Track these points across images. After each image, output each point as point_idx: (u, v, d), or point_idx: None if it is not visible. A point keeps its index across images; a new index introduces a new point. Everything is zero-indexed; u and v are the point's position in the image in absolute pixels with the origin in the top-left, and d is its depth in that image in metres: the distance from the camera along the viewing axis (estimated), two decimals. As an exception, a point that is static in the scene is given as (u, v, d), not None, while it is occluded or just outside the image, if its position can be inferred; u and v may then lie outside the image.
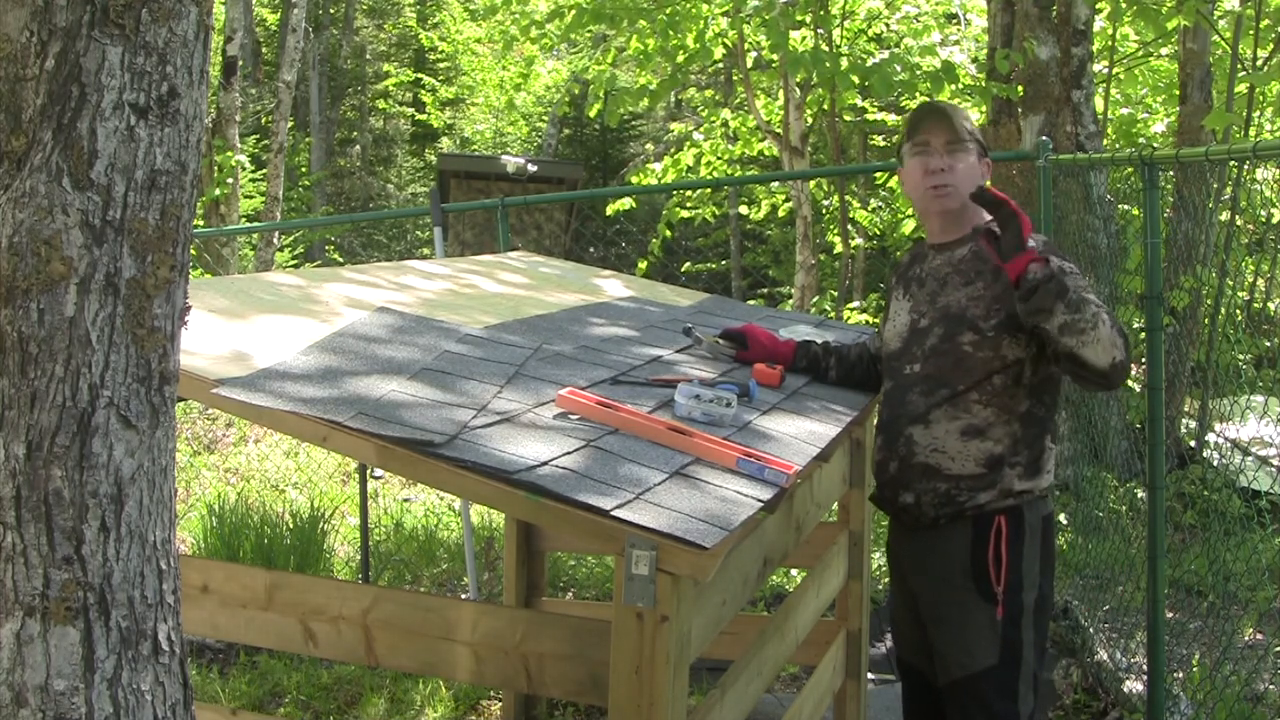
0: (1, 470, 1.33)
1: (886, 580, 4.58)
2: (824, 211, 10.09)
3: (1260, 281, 6.67)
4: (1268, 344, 5.85)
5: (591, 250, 14.19)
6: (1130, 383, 5.55)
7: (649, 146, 18.00)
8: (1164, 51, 9.20)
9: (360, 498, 4.80)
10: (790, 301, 9.91)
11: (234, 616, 2.34)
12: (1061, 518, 4.90)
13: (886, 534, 2.76)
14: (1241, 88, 7.28)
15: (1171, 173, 4.57)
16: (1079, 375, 2.33)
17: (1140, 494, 4.76)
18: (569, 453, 1.84)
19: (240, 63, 10.80)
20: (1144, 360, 3.81)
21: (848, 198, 9.64)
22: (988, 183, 2.59)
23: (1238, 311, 5.97)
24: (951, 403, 2.45)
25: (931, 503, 2.48)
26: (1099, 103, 7.32)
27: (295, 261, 13.25)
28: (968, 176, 2.53)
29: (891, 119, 10.51)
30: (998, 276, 2.45)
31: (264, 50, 20.43)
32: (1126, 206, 5.66)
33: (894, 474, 2.54)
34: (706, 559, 1.58)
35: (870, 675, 3.55)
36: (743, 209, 11.21)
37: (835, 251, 10.49)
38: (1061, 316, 2.22)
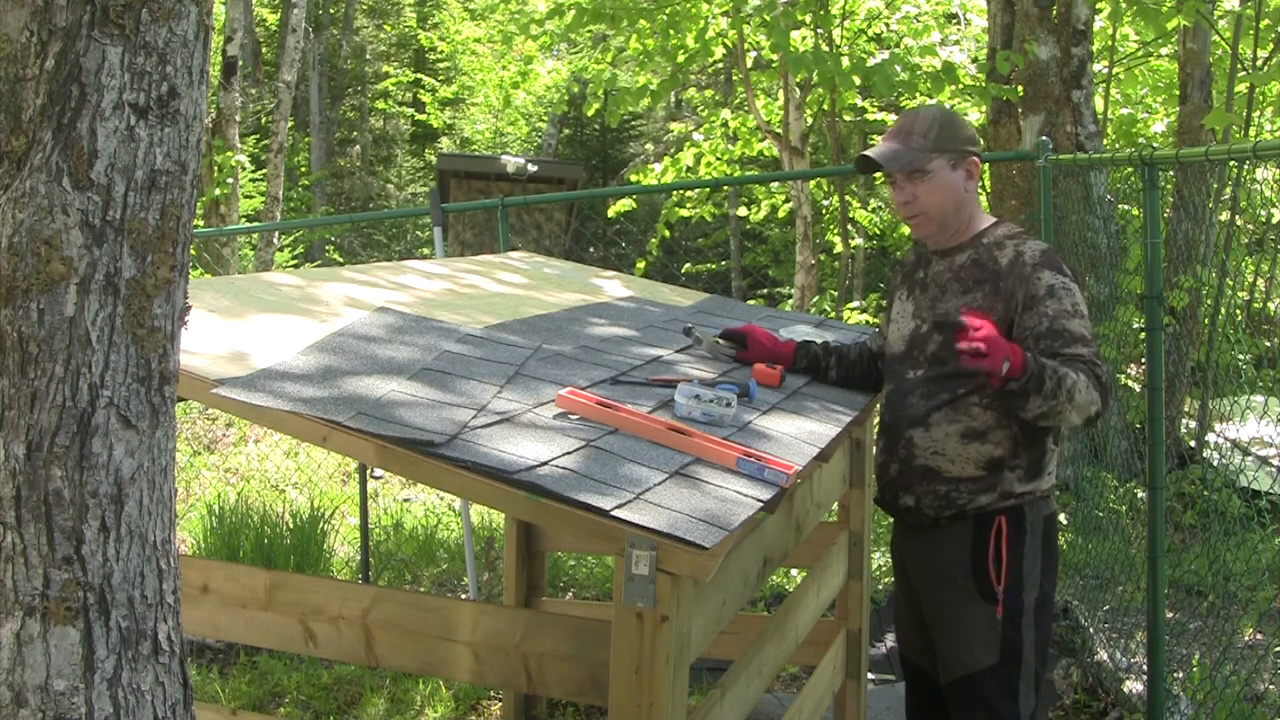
0: (1, 470, 1.33)
1: (886, 580, 4.59)
2: (824, 211, 10.10)
3: (1260, 281, 6.67)
4: (1268, 344, 5.85)
5: (591, 250, 14.19)
6: (1130, 383, 5.54)
7: (649, 146, 17.99)
8: (1164, 51, 9.19)
9: (360, 498, 4.80)
10: (790, 301, 9.91)
11: (234, 616, 2.34)
12: (1061, 518, 4.90)
13: (889, 533, 2.77)
14: (1241, 88, 7.28)
15: (1171, 173, 4.57)
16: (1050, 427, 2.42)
17: (1140, 494, 4.76)
18: (569, 453, 1.84)
19: (240, 63, 10.80)
20: (1144, 360, 3.81)
21: (848, 198, 9.64)
22: (974, 184, 2.54)
23: (1238, 311, 5.97)
24: (952, 406, 2.45)
25: (931, 505, 2.48)
26: (1099, 103, 7.32)
27: (295, 261, 13.25)
28: (938, 197, 2.50)
29: (891, 119, 10.49)
30: (997, 289, 2.44)
31: (264, 50, 20.42)
32: (1126, 206, 5.66)
33: (895, 476, 2.55)
34: (706, 559, 1.58)
35: (870, 675, 3.55)
36: (742, 210, 11.21)
37: (835, 251, 10.49)
38: (1036, 410, 2.28)
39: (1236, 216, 5.77)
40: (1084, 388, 2.27)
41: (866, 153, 2.55)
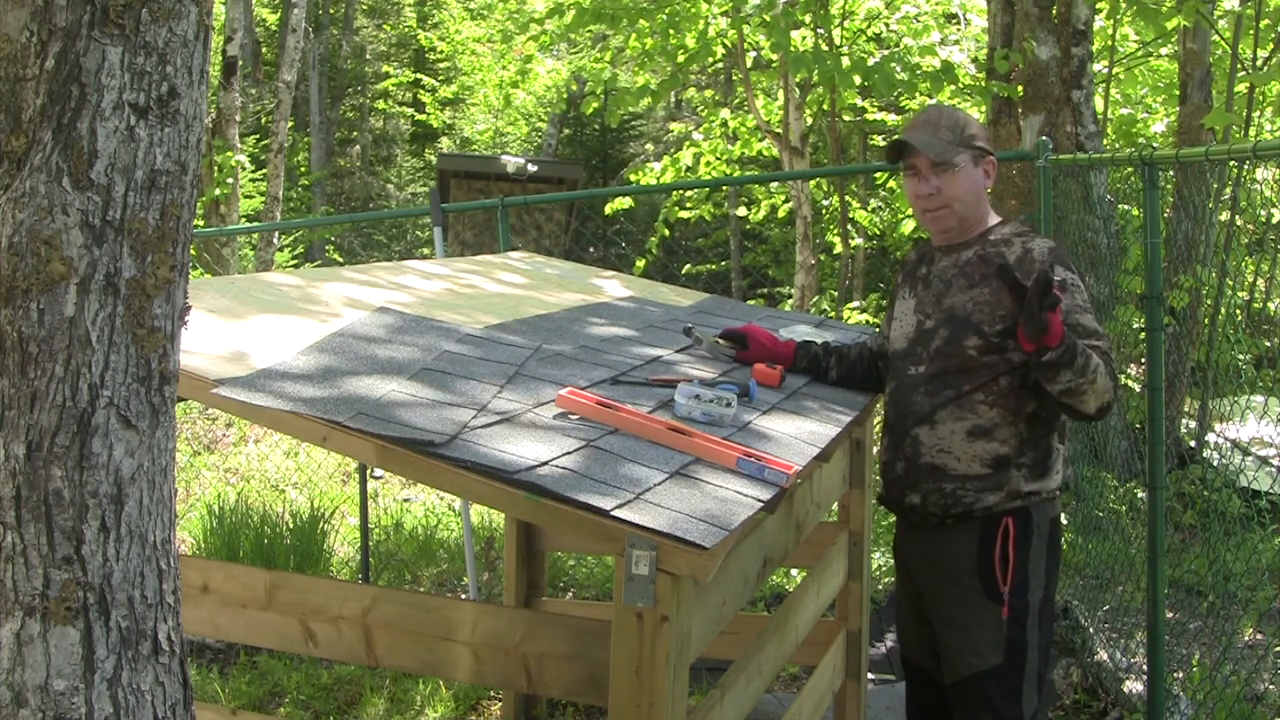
0: (1, 470, 1.33)
1: (887, 580, 4.59)
2: (824, 211, 10.09)
3: (1260, 281, 6.67)
4: (1268, 344, 5.85)
5: (591, 250, 14.19)
6: (1130, 383, 5.54)
7: (649, 146, 17.99)
8: (1164, 51, 9.19)
9: (360, 498, 4.80)
10: (790, 301, 9.90)
11: (234, 616, 2.34)
12: (1062, 518, 4.89)
13: (889, 533, 2.77)
14: (1241, 88, 7.28)
15: (1171, 173, 4.57)
16: (1066, 410, 2.41)
17: (1140, 494, 4.76)
18: (569, 453, 1.84)
19: (240, 63, 10.80)
20: (1144, 360, 3.81)
21: (848, 198, 9.64)
22: (990, 183, 2.58)
23: (1238, 311, 5.97)
24: (957, 403, 2.45)
25: (938, 503, 2.48)
26: (1099, 103, 7.32)
27: (295, 261, 13.25)
28: (961, 191, 2.51)
29: (892, 119, 10.51)
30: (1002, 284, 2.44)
31: (264, 50, 20.41)
32: (1126, 206, 5.66)
33: (900, 474, 2.54)
34: (706, 559, 1.58)
35: (870, 675, 3.55)
36: (742, 210, 11.21)
37: (835, 251, 10.48)
38: (1065, 384, 2.28)
39: (1236, 216, 5.77)
40: (1103, 374, 2.30)
41: (902, 137, 2.54)
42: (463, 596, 4.81)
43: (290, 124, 12.43)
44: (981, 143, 2.55)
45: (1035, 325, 2.18)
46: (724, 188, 11.28)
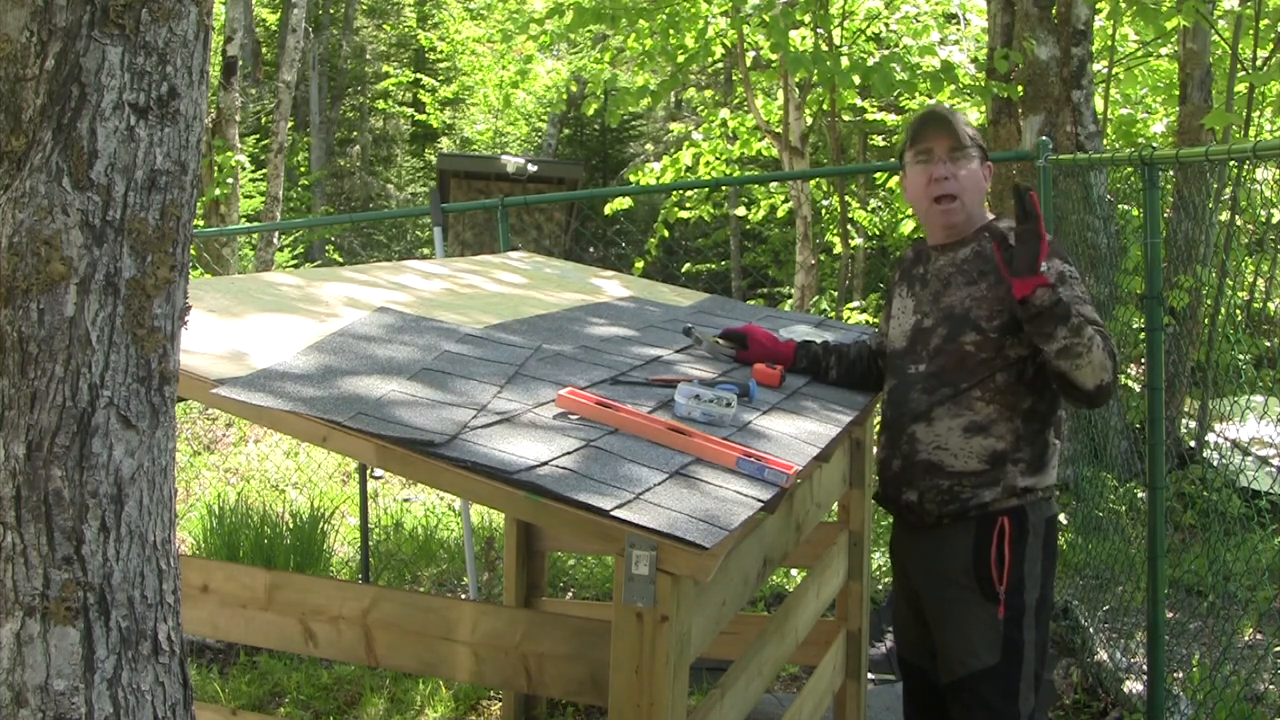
0: (1, 470, 1.33)
1: (887, 580, 4.59)
2: (824, 211, 10.09)
3: (1260, 281, 6.67)
4: (1268, 344, 5.85)
5: (591, 250, 14.19)
6: (1130, 383, 5.54)
7: (649, 146, 17.99)
8: (1164, 51, 9.20)
9: (360, 498, 4.80)
10: (790, 301, 9.90)
11: (234, 616, 2.34)
12: (1061, 518, 4.90)
13: (889, 533, 2.77)
14: (1241, 88, 7.28)
15: (1171, 173, 4.57)
16: (1065, 390, 2.39)
17: (1140, 494, 4.76)
18: (569, 453, 1.84)
19: (240, 63, 10.80)
20: (1144, 360, 3.81)
21: (847, 198, 9.63)
22: (987, 187, 2.60)
23: (1238, 311, 5.97)
24: (954, 400, 2.46)
25: (934, 500, 2.48)
26: (1099, 103, 7.32)
27: (295, 261, 13.25)
28: (971, 184, 2.53)
29: (891, 119, 10.51)
30: (1000, 278, 2.45)
31: (264, 50, 20.42)
32: (1126, 206, 5.66)
33: (897, 472, 2.55)
34: (706, 559, 1.58)
35: (870, 675, 3.55)
36: (742, 210, 11.21)
37: (835, 251, 10.48)
38: (1061, 341, 2.28)
39: (1236, 216, 5.77)
40: (1100, 348, 2.30)
41: (939, 110, 2.57)
42: (463, 596, 4.81)
43: (290, 124, 12.43)
44: (983, 146, 2.59)
45: (1027, 254, 2.21)
46: (724, 188, 11.28)
